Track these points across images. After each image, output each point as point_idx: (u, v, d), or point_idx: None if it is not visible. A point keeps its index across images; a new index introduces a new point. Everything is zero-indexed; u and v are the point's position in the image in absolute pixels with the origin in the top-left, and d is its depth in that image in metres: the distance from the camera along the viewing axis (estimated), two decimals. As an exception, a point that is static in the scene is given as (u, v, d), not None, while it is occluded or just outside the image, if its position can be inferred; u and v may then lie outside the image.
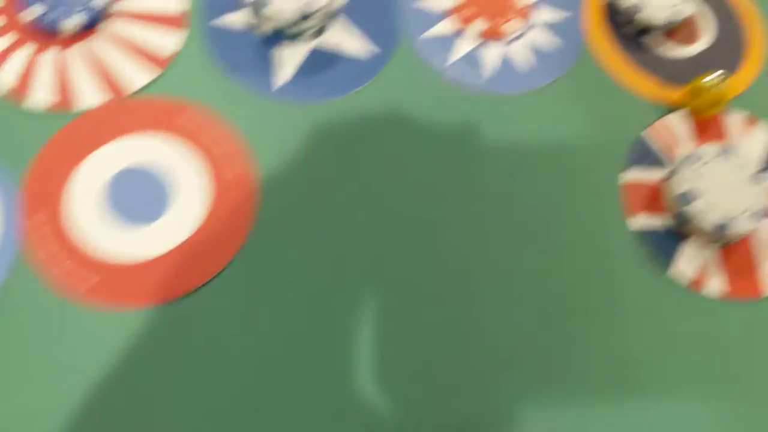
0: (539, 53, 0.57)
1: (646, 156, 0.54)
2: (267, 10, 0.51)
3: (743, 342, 0.49)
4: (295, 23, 0.52)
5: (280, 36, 0.54)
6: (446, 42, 0.56)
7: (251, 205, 0.48)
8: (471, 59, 0.56)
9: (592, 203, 0.52)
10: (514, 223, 0.51)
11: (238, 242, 0.47)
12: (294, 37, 0.54)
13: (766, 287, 0.51)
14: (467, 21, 0.57)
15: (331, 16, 0.55)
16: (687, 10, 0.57)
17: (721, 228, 0.49)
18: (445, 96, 0.55)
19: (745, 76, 0.59)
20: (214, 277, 0.46)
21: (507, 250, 0.50)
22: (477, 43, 0.57)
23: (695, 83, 0.54)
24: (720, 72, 0.54)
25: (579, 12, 0.59)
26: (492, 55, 0.56)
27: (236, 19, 0.55)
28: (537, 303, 0.48)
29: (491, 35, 0.57)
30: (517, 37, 0.57)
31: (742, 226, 0.49)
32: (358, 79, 0.54)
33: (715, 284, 0.50)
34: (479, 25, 0.57)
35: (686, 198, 0.50)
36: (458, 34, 0.57)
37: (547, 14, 0.59)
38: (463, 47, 0.56)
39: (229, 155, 0.50)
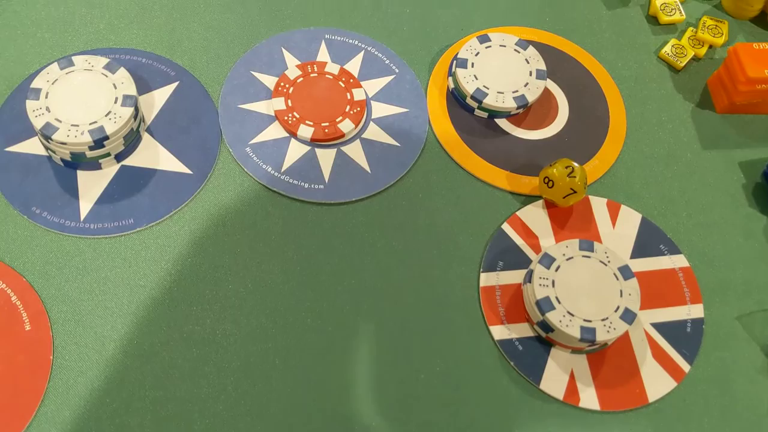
0: (378, 154, 0.52)
1: (503, 254, 0.49)
2: (57, 136, 0.45)
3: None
4: (91, 148, 0.46)
5: (78, 163, 0.48)
6: (276, 148, 0.51)
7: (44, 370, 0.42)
8: (304, 164, 0.51)
9: (452, 314, 0.47)
10: (374, 351, 0.45)
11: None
12: (94, 162, 0.48)
13: (647, 394, 0.45)
14: (294, 126, 0.51)
15: (132, 139, 0.49)
16: (535, 93, 0.53)
17: (586, 336, 0.43)
18: (276, 206, 0.49)
19: (606, 158, 0.54)
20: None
21: (370, 382, 0.44)
22: (308, 148, 0.52)
23: (547, 172, 0.49)
24: (569, 162, 0.49)
25: (422, 105, 0.55)
26: (326, 160, 0.51)
27: (27, 149, 0.49)
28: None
29: (321, 139, 0.51)
30: (351, 139, 0.52)
31: (609, 332, 0.44)
32: (171, 201, 0.48)
33: (591, 396, 0.45)
34: (307, 129, 0.51)
35: (544, 305, 0.44)
36: (286, 140, 0.52)
37: (383, 111, 0.54)
38: (294, 153, 0.51)
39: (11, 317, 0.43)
